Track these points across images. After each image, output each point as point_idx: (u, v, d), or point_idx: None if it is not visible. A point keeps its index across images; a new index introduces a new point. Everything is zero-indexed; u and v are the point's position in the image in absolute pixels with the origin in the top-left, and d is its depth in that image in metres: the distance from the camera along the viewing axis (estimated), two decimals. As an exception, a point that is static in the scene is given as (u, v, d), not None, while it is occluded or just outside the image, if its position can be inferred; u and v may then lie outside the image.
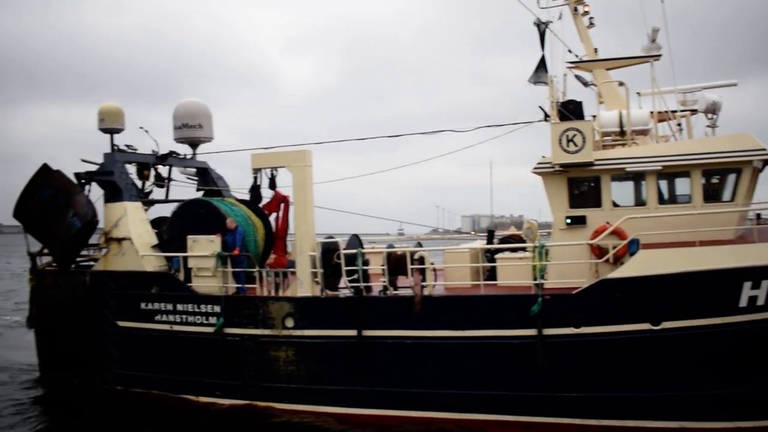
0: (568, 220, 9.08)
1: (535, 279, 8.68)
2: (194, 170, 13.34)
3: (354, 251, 9.59)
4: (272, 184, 11.19)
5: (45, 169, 11.49)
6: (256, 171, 11.00)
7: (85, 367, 11.41)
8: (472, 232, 21.60)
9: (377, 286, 9.87)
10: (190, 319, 10.44)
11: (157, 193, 13.00)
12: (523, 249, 9.36)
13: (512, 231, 12.03)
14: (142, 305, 10.80)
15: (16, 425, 9.67)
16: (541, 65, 9.61)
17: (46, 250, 11.88)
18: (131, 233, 11.10)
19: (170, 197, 13.35)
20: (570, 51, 9.96)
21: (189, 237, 10.56)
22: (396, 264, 9.60)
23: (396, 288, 9.66)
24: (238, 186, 12.98)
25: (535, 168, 9.25)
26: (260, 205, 11.63)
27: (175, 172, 13.19)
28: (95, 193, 11.70)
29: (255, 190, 11.27)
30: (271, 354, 9.87)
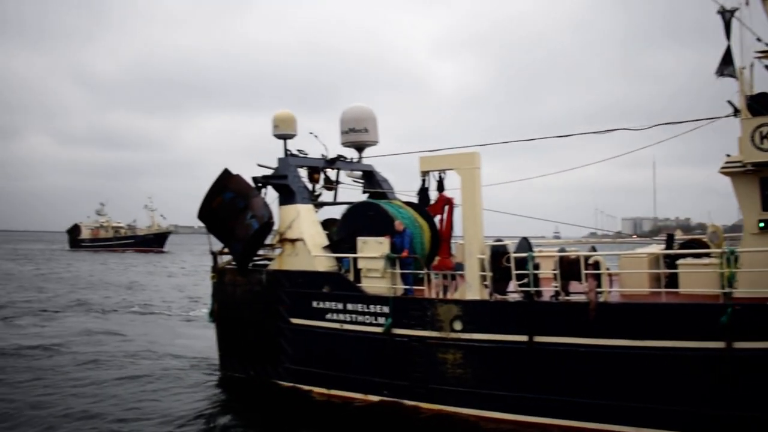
0: (761, 224, 11.23)
1: (723, 287, 10.68)
2: (360, 173, 17.89)
3: (524, 254, 12.69)
4: (440, 187, 14.99)
5: (226, 173, 16.55)
6: (425, 173, 14.91)
7: (260, 360, 16.03)
8: (634, 236, 23.61)
9: (548, 291, 12.81)
10: (359, 318, 14.43)
11: (326, 196, 17.69)
12: (708, 255, 11.69)
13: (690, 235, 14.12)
14: (314, 303, 15.14)
15: (199, 411, 14.15)
16: (727, 56, 11.83)
17: (226, 250, 17.10)
18: (304, 234, 15.61)
19: (338, 200, 18.02)
20: (759, 39, 11.99)
21: (359, 238, 14.50)
22: (569, 268, 12.47)
23: (568, 293, 12.46)
24: (402, 188, 17.22)
25: (723, 167, 11.43)
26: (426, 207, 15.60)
27: (342, 175, 17.88)
28: (270, 195, 16.68)
29: (423, 192, 15.19)
30: (439, 356, 13.20)
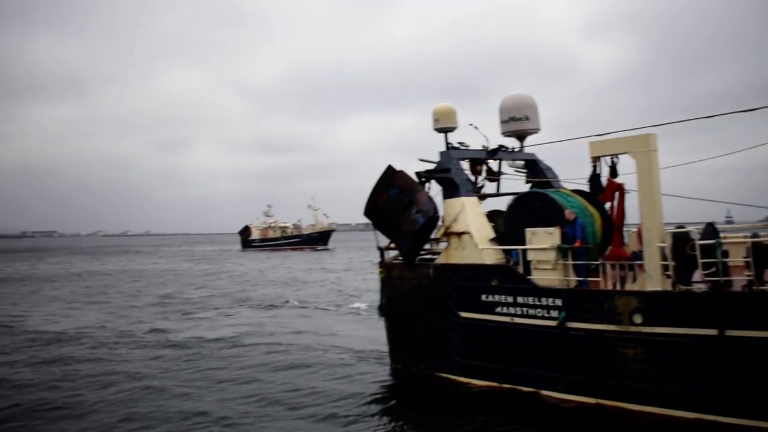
0: None
1: None
2: (522, 163, 17.67)
3: (711, 241, 11.93)
4: (613, 172, 14.39)
5: (390, 170, 17.08)
6: (596, 159, 14.40)
7: (429, 354, 16.45)
8: None
9: (739, 280, 11.93)
10: (531, 311, 14.28)
11: (488, 188, 17.74)
12: None
13: None
14: (483, 297, 15.22)
15: (372, 400, 14.66)
16: None
17: (392, 245, 17.67)
18: (470, 227, 15.73)
19: (501, 191, 17.96)
20: None
21: (527, 230, 14.40)
22: (764, 255, 11.61)
23: (763, 283, 11.49)
24: (568, 177, 16.77)
25: None
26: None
27: (504, 165, 17.79)
28: (434, 189, 16.98)
29: (595, 179, 14.69)
30: (618, 351, 12.74)
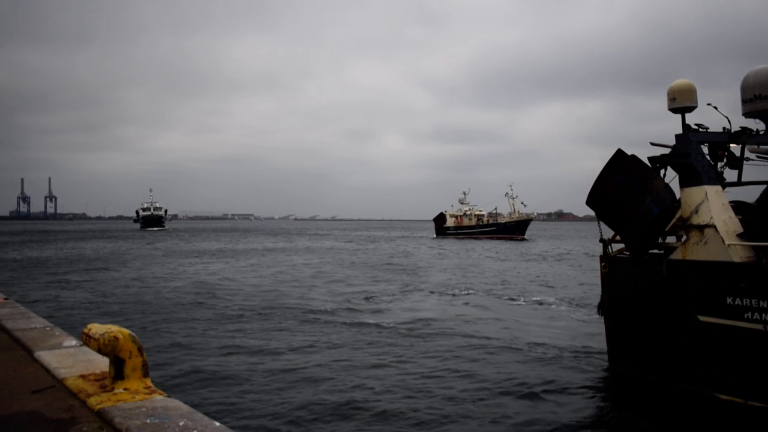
0: None
1: None
2: (768, 147, 15.72)
3: None
4: None
5: (620, 154, 16.02)
6: None
7: (659, 360, 15.29)
8: None
9: None
10: (792, 320, 12.78)
11: (727, 175, 16.05)
12: None
13: None
14: (729, 300, 13.80)
15: (590, 405, 13.99)
16: None
17: (618, 237, 16.66)
18: (714, 220, 14.28)
19: (743, 179, 16.19)
20: None
21: (790, 225, 12.90)
22: None
23: None
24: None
25: None
26: None
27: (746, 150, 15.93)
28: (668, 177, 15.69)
29: None
30: None
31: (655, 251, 16.20)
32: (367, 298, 30.67)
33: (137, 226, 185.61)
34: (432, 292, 33.61)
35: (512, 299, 31.21)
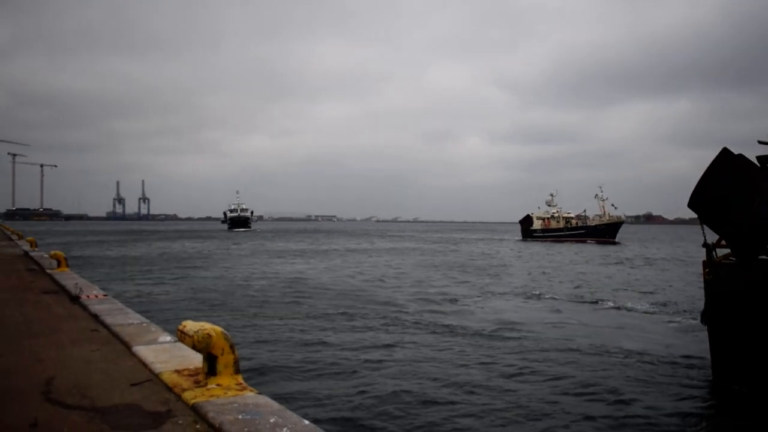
0: None
1: None
2: None
3: None
4: None
5: (725, 154, 15.14)
6: None
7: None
8: None
9: None
10: None
11: None
12: None
13: None
14: None
15: (681, 427, 13.41)
16: None
17: (723, 242, 15.72)
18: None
19: None
20: None
21: None
22: None
23: None
24: None
25: None
26: None
27: None
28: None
29: None
30: None
31: (765, 257, 15.20)
32: (450, 300, 30.41)
33: (225, 227, 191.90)
34: (517, 295, 32.98)
35: (602, 304, 30.06)
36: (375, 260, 60.66)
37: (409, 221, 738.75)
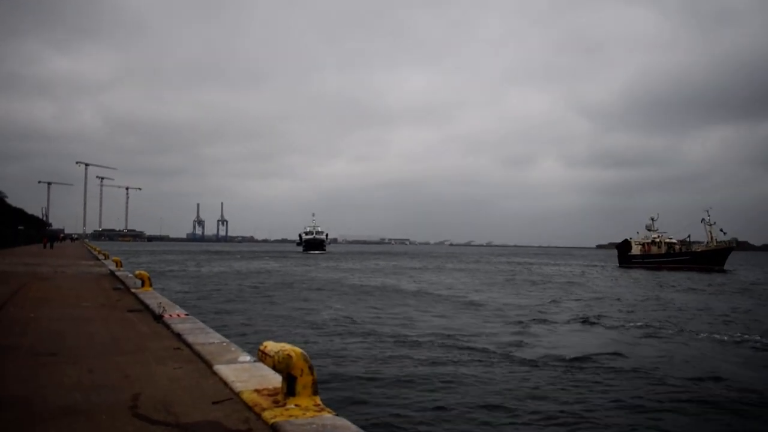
0: None
1: None
2: None
3: None
4: None
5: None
6: None
7: None
8: None
9: None
10: None
11: None
12: None
13: None
14: None
15: None
16: None
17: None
18: None
19: None
20: None
21: None
22: None
23: None
24: None
25: None
26: None
27: None
28: None
29: None
30: None
31: None
32: (539, 322, 29.68)
33: (300, 249, 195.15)
34: (620, 327, 31.09)
35: (720, 337, 26.86)
36: (452, 281, 60.11)
37: (482, 245, 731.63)
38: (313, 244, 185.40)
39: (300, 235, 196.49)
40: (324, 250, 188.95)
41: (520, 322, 30.49)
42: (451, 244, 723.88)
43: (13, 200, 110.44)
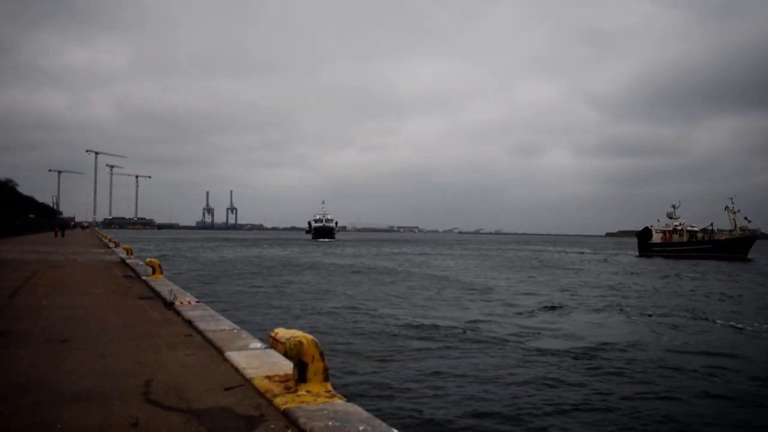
0: None
1: None
2: None
3: None
4: None
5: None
6: None
7: None
8: None
9: None
10: None
11: None
12: None
13: None
14: None
15: None
16: None
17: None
18: None
19: None
20: None
21: None
22: None
23: None
24: None
25: None
26: None
27: None
28: None
29: None
30: None
31: None
32: (554, 311, 29.53)
33: (309, 236, 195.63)
34: (647, 315, 30.68)
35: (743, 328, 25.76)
36: (462, 269, 60.05)
37: (491, 233, 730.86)
38: (322, 231, 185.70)
39: (309, 223, 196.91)
40: (333, 237, 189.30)
41: (563, 312, 30.33)
42: (460, 232, 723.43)
43: (24, 189, 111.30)
